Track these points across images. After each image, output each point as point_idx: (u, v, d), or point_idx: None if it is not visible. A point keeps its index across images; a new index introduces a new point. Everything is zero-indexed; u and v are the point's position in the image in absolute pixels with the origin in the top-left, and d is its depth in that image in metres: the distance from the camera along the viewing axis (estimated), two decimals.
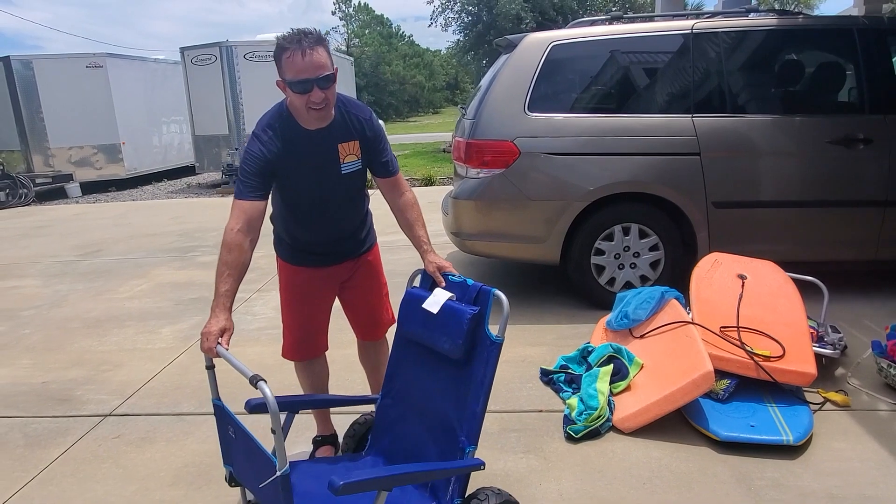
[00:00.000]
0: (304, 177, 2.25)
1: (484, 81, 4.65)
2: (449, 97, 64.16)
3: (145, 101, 14.02)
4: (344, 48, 50.29)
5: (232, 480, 2.11)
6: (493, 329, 2.01)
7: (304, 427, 2.82)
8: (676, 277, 4.05)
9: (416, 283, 2.36)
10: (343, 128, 2.26)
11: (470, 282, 2.14)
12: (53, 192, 12.98)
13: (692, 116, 4.04)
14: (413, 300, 2.24)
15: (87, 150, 13.14)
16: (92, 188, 13.32)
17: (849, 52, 4.09)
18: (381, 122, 2.43)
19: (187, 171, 15.23)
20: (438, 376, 2.15)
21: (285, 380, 3.47)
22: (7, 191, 12.02)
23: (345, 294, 2.57)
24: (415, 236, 2.35)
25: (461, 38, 23.17)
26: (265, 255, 6.89)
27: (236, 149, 12.54)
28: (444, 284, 2.21)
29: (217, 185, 12.98)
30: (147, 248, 7.14)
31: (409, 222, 2.37)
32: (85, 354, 4.04)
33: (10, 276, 6.18)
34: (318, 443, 2.70)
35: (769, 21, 4.14)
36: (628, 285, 4.18)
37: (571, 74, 4.26)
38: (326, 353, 2.66)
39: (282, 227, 2.43)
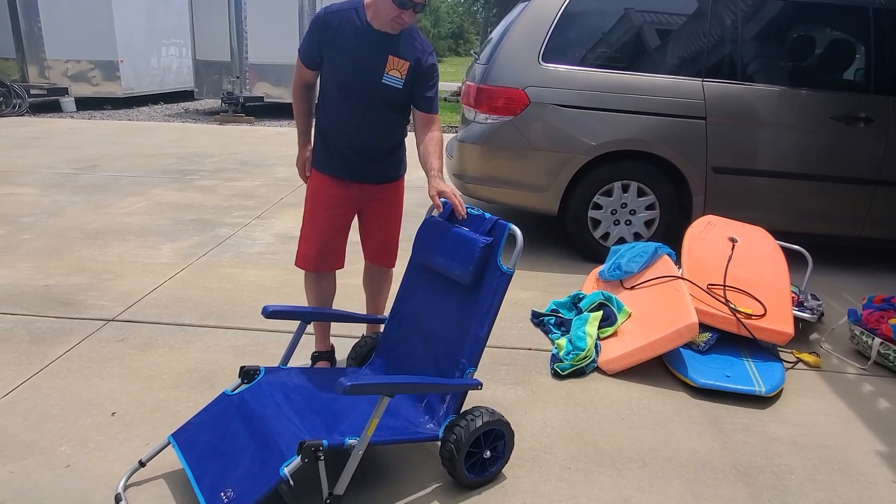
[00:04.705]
0: (348, 66, 2.39)
1: (499, 28, 4.65)
2: (452, 46, 62.93)
3: (147, 20, 13.65)
4: None
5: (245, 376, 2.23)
6: (506, 262, 2.13)
7: (302, 346, 2.94)
8: (669, 238, 4.17)
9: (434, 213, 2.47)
10: (402, 45, 2.41)
11: (487, 215, 2.25)
12: (48, 104, 12.76)
13: (702, 80, 4.09)
14: (430, 227, 2.34)
15: (84, 64, 12.84)
16: (87, 104, 13.08)
17: (862, 30, 4.14)
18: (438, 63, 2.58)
19: (185, 95, 14.96)
20: (447, 302, 2.27)
21: (284, 301, 3.59)
22: (1, 99, 11.80)
23: (364, 216, 2.68)
24: (427, 163, 2.44)
25: None
26: (264, 185, 6.84)
27: (237, 77, 12.32)
28: (441, 210, 2.34)
29: (216, 113, 12.80)
30: (145, 168, 7.12)
31: (427, 151, 2.45)
32: (86, 263, 4.12)
33: (7, 184, 6.17)
34: (315, 358, 2.82)
35: None
36: (622, 241, 4.30)
37: (588, 28, 4.27)
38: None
39: (322, 118, 2.55)
